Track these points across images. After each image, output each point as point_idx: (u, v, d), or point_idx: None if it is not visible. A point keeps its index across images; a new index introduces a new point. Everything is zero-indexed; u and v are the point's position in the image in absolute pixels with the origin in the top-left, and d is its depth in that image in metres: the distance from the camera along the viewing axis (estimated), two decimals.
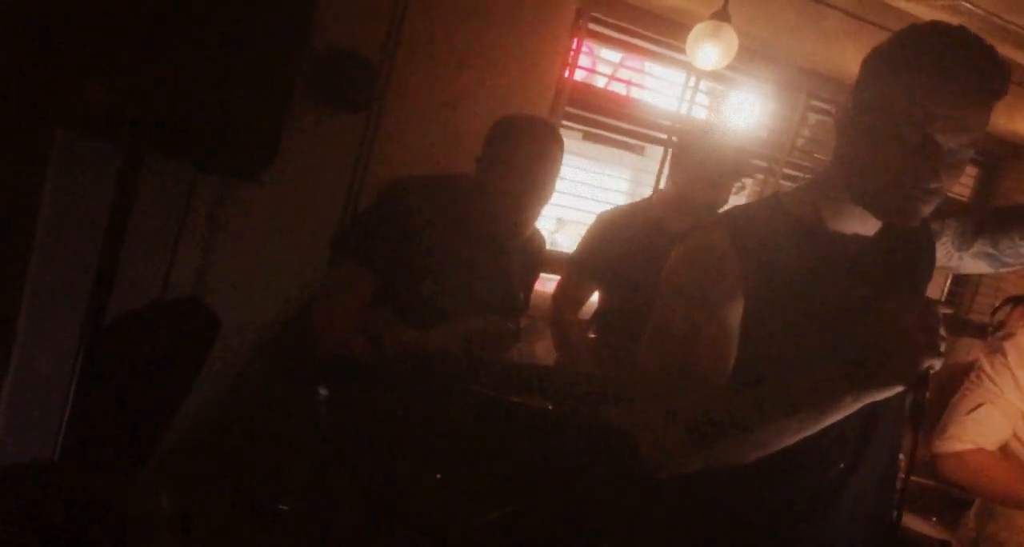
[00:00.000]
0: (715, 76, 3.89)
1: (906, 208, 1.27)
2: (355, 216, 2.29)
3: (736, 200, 3.81)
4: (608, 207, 3.06)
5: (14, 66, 1.73)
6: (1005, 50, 3.95)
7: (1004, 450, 2.09)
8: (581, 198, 3.91)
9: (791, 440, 1.22)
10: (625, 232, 2.79)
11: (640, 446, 1.30)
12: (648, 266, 2.74)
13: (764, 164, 4.24)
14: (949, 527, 2.38)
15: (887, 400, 1.22)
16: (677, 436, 1.25)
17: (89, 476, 2.02)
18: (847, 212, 1.36)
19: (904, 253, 1.45)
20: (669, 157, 2.91)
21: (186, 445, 2.58)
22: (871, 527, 1.44)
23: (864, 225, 1.38)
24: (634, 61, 4.26)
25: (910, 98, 1.23)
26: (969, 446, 2.03)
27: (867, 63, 1.33)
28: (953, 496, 2.38)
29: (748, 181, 4.32)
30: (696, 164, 2.68)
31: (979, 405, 2.04)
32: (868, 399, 1.17)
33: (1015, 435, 2.08)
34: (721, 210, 2.90)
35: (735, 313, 1.32)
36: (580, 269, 2.84)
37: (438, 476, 2.08)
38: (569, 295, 2.85)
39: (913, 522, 2.59)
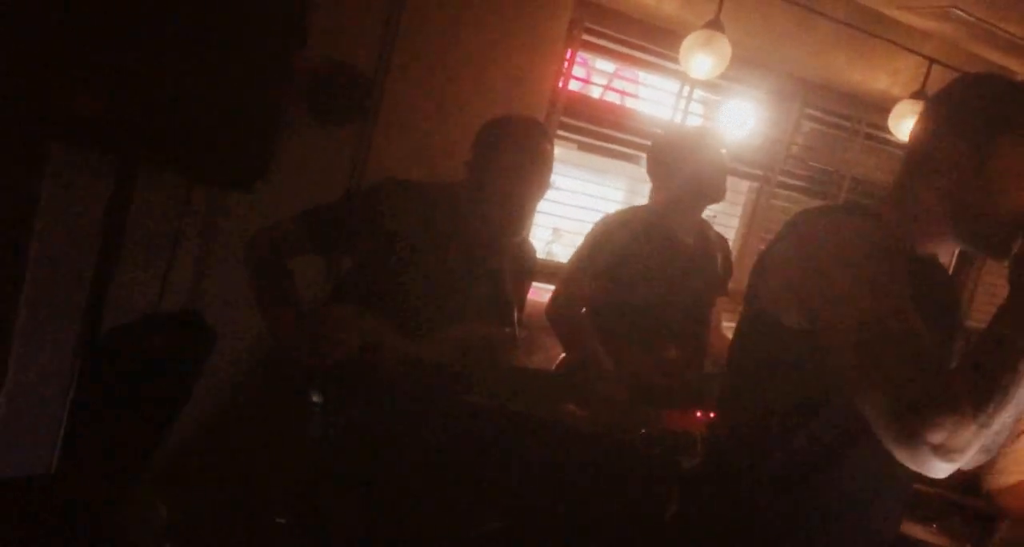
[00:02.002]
0: (709, 85, 3.91)
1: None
2: (332, 202, 2.29)
3: (733, 197, 3.79)
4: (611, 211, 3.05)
5: (7, 79, 1.74)
6: (995, 56, 3.97)
7: None
8: (577, 208, 3.92)
9: None
10: (627, 234, 2.77)
11: (922, 456, 1.21)
12: (650, 267, 2.75)
13: (760, 172, 4.26)
14: (946, 533, 2.37)
15: None
16: (962, 424, 1.19)
17: (86, 488, 2.01)
18: (940, 245, 1.45)
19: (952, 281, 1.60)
20: (648, 163, 2.88)
21: (184, 457, 2.57)
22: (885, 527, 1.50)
23: (945, 256, 1.49)
24: (629, 71, 4.27)
25: None
26: (1021, 477, 1.97)
27: (985, 111, 1.36)
28: (955, 504, 2.37)
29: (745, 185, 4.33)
30: (683, 162, 2.66)
31: (1021, 433, 1.97)
32: None
33: None
34: (719, 204, 2.89)
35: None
36: (583, 268, 2.80)
37: (431, 488, 2.08)
38: (572, 293, 2.80)
39: (913, 529, 2.58)
